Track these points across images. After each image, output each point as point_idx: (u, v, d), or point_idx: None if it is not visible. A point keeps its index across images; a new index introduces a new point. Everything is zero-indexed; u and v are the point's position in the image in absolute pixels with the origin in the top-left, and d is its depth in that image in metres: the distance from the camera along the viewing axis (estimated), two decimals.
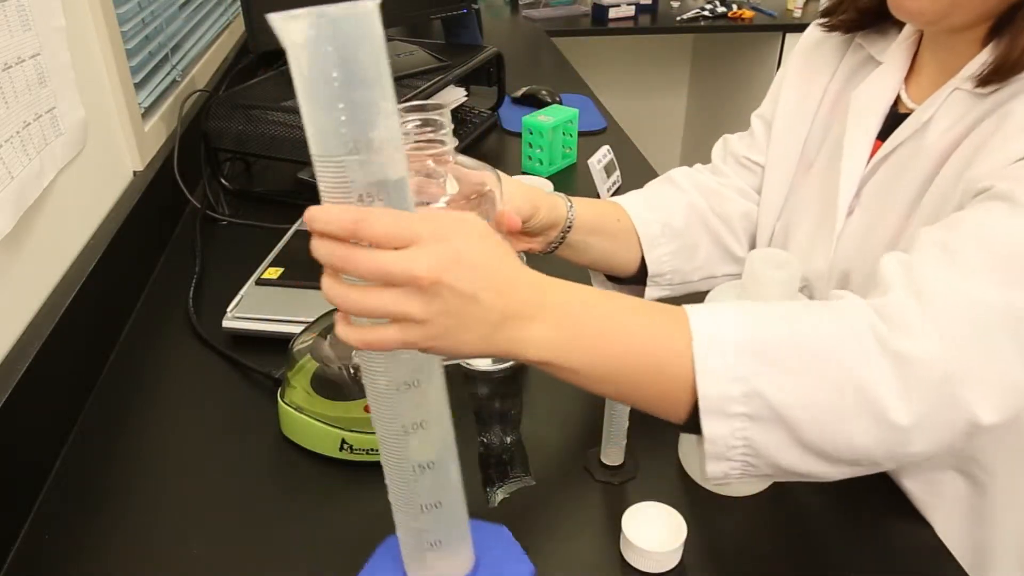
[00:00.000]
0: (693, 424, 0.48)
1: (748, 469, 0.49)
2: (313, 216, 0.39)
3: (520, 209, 0.65)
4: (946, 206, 0.59)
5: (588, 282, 0.81)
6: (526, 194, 0.66)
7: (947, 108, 0.63)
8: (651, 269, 0.77)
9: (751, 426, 0.47)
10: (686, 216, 0.79)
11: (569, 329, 0.46)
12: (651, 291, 0.77)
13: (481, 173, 0.53)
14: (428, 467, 0.46)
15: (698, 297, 0.58)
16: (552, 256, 0.74)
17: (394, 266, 0.40)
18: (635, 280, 0.79)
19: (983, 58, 0.61)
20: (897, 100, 0.71)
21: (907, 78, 0.71)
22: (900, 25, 0.72)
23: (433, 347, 0.43)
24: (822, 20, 0.78)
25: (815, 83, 0.79)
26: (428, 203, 0.51)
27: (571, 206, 0.72)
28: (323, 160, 0.38)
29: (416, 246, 0.40)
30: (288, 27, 0.35)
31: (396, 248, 0.40)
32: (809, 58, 0.80)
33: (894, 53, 0.71)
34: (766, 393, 0.46)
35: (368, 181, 0.39)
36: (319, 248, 0.40)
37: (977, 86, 0.60)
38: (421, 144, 0.49)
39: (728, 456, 0.48)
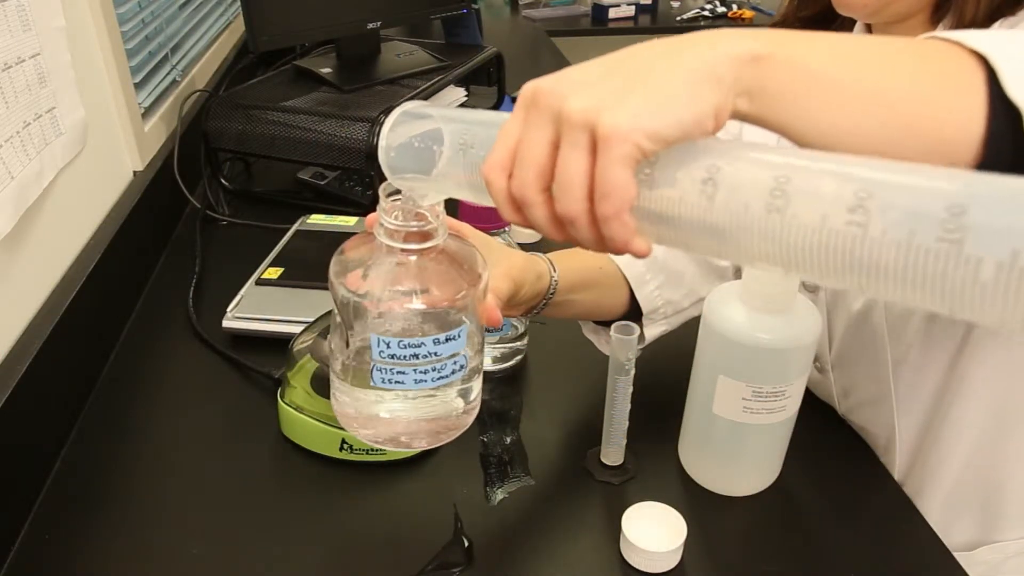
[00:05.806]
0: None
1: None
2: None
3: (499, 290, 0.60)
4: None
5: (577, 329, 0.79)
6: (507, 273, 0.62)
7: None
8: (645, 307, 0.74)
9: None
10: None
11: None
12: (650, 329, 0.75)
13: (471, 253, 0.49)
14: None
15: (692, 324, 0.55)
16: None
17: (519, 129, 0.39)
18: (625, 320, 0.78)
19: None
20: None
21: None
22: (847, 30, 0.75)
23: (639, 122, 0.34)
24: None
25: None
26: (410, 292, 0.46)
27: (554, 271, 0.68)
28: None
29: (521, 115, 0.40)
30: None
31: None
32: None
33: None
34: None
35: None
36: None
37: None
38: (410, 238, 0.45)
39: None
